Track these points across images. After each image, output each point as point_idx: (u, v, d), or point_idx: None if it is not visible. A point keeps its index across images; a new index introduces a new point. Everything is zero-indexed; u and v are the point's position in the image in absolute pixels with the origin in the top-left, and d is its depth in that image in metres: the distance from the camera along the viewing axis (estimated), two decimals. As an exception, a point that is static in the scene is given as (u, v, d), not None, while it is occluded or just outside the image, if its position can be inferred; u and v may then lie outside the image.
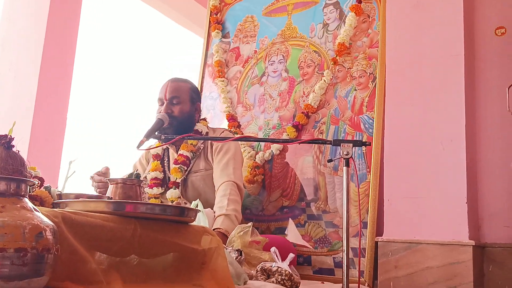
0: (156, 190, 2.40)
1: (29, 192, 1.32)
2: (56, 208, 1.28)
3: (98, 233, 1.18)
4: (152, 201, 2.38)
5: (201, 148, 2.45)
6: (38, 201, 1.31)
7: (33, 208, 1.01)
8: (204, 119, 2.59)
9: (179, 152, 2.42)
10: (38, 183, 1.44)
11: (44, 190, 1.37)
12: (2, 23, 3.23)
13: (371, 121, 2.47)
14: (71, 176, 1.63)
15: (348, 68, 2.66)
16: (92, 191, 2.28)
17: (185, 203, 2.34)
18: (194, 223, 1.49)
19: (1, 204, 0.94)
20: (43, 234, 0.96)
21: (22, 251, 0.91)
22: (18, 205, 0.97)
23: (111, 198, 1.43)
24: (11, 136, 1.07)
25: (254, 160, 2.73)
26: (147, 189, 2.39)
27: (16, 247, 0.91)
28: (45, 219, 1.00)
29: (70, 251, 1.08)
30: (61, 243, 1.04)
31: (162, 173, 2.45)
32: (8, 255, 0.90)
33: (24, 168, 1.07)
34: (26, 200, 1.01)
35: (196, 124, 2.49)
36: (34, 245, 0.94)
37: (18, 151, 1.09)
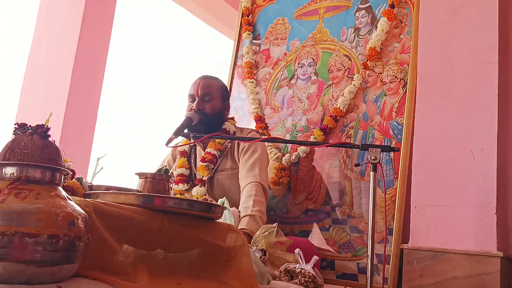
0: (182, 187, 2.43)
1: (63, 181, 1.35)
2: (87, 199, 1.30)
3: (127, 225, 1.19)
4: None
5: (228, 147, 2.47)
6: (70, 191, 1.34)
7: (67, 196, 1.03)
8: (232, 118, 2.61)
9: (207, 150, 2.44)
10: (70, 174, 1.47)
11: (76, 181, 1.40)
12: (39, 16, 3.31)
13: (400, 127, 2.45)
14: (98, 172, 1.66)
15: (378, 73, 2.64)
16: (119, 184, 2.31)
17: (211, 201, 2.35)
18: (220, 221, 1.50)
19: (37, 191, 0.97)
20: (75, 222, 0.98)
21: (55, 237, 0.94)
22: (53, 193, 0.99)
23: (140, 192, 1.45)
24: (47, 126, 1.10)
25: (281, 162, 2.73)
26: (172, 185, 2.42)
27: (49, 233, 0.93)
28: (78, 208, 1.02)
29: (100, 240, 1.10)
30: (92, 233, 1.06)
31: (188, 170, 2.48)
32: (41, 241, 0.92)
33: (59, 158, 1.09)
34: (60, 188, 1.04)
35: (225, 123, 2.51)
36: (67, 232, 0.96)
37: (54, 141, 1.12)
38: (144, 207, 1.27)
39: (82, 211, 1.03)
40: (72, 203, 1.03)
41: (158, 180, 1.48)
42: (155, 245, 1.31)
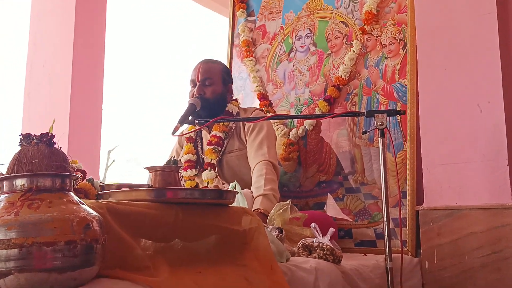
0: (190, 172, 2.46)
1: (73, 185, 1.37)
2: (99, 199, 1.32)
3: (142, 220, 1.22)
4: (188, 183, 2.43)
5: (233, 128, 2.48)
6: (83, 193, 1.36)
7: (79, 201, 1.05)
8: (236, 100, 2.60)
9: (212, 133, 2.45)
10: (81, 176, 1.49)
11: (87, 182, 1.42)
12: (32, 21, 3.30)
13: (404, 88, 2.43)
14: (111, 165, 1.68)
15: (377, 37, 2.60)
16: (131, 180, 2.34)
17: (223, 183, 2.37)
18: (233, 205, 1.51)
19: (49, 200, 0.99)
20: (91, 225, 1.00)
21: (72, 243, 0.96)
22: (65, 200, 1.01)
23: (151, 186, 1.46)
24: (52, 133, 1.11)
25: (288, 137, 2.73)
26: (181, 172, 2.43)
27: (66, 240, 0.95)
28: (91, 211, 1.04)
29: (116, 239, 1.13)
30: (108, 233, 1.08)
31: (195, 155, 2.49)
32: (59, 248, 0.94)
33: (67, 164, 1.11)
34: (72, 194, 1.05)
35: (227, 105, 2.50)
36: (83, 236, 0.98)
37: (60, 147, 1.13)
38: (157, 201, 1.29)
39: (96, 214, 1.05)
40: (85, 207, 1.05)
41: (167, 172, 1.49)
42: (173, 236, 1.33)
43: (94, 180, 1.45)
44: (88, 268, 0.99)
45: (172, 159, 1.59)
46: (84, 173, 1.58)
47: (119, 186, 1.42)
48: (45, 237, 0.93)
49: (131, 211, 1.18)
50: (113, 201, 1.19)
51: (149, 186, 1.47)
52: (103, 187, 1.44)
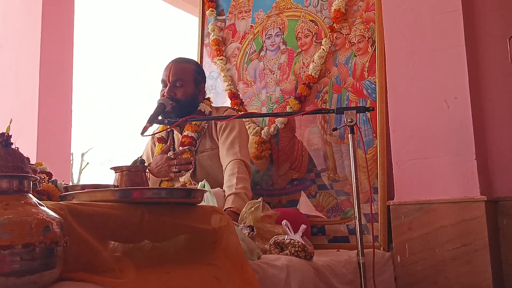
0: None
1: (37, 187, 1.34)
2: (63, 200, 1.29)
3: (106, 221, 1.19)
4: (164, 184, 2.39)
5: (205, 127, 2.45)
6: (46, 195, 1.33)
7: (38, 203, 1.02)
8: (208, 99, 2.58)
9: (184, 133, 2.42)
10: (45, 178, 1.46)
11: (50, 184, 1.39)
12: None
13: (373, 86, 2.45)
14: (85, 167, 1.65)
15: (346, 35, 2.62)
16: (103, 181, 2.30)
17: (194, 184, 2.35)
18: (202, 204, 1.49)
19: (5, 202, 0.96)
20: (50, 227, 0.97)
21: (30, 246, 0.93)
22: (22, 201, 0.98)
23: (117, 186, 1.44)
24: (8, 133, 1.08)
25: (260, 135, 2.72)
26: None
27: (23, 242, 0.92)
28: (51, 213, 1.01)
29: (79, 242, 1.10)
30: (70, 235, 1.05)
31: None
32: (16, 251, 0.91)
33: (24, 165, 1.07)
34: (30, 195, 1.02)
35: (200, 104, 2.48)
36: (42, 239, 0.95)
37: (17, 148, 1.10)
38: (123, 202, 1.26)
39: (56, 215, 1.02)
40: (45, 208, 1.02)
41: (134, 172, 1.47)
42: (140, 237, 1.31)
43: (58, 182, 1.41)
44: (48, 271, 0.96)
45: (140, 159, 1.57)
46: (49, 174, 1.55)
47: (84, 187, 1.39)
48: (1, 241, 0.90)
49: (94, 212, 1.16)
50: (75, 202, 1.16)
51: (115, 186, 1.44)
52: (67, 188, 1.40)
